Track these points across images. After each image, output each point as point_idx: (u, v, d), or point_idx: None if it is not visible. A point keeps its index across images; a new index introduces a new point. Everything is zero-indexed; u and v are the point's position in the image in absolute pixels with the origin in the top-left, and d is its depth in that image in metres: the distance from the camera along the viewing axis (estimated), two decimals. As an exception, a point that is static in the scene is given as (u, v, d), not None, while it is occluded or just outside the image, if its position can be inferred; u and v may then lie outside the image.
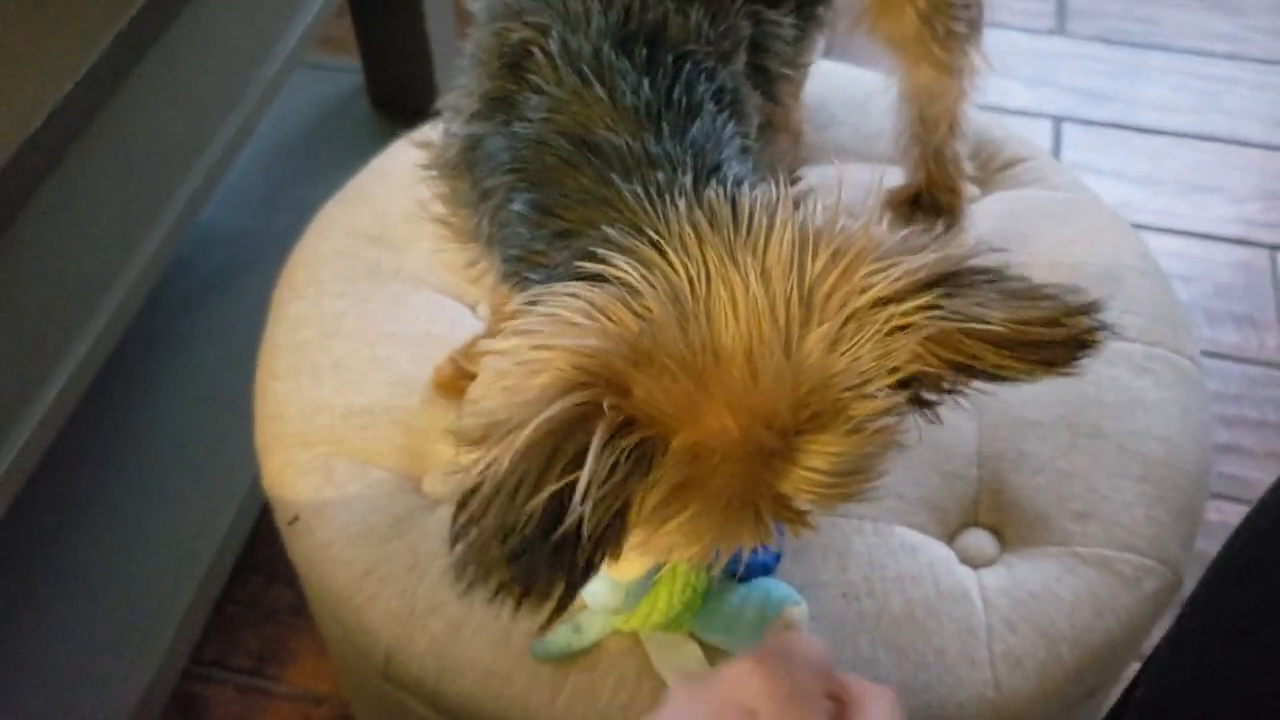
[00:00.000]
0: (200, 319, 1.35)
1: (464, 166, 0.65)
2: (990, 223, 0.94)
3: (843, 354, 0.49)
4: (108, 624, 1.13)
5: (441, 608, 0.72)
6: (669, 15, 0.60)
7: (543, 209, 0.57)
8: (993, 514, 0.78)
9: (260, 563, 1.28)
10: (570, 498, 0.45)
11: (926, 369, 0.50)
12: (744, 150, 0.59)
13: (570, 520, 0.45)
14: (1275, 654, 0.58)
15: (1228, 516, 1.37)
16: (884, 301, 0.49)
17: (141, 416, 1.27)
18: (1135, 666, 0.79)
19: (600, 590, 0.64)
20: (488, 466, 0.46)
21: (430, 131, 0.71)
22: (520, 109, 0.59)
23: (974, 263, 0.51)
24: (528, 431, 0.45)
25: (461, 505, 0.47)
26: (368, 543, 0.75)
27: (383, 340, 0.86)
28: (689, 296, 0.49)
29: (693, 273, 0.50)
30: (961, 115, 0.90)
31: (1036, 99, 1.79)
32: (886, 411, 0.50)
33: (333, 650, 0.90)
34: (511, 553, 0.45)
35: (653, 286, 0.49)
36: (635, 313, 0.49)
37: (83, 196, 0.85)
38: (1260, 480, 1.38)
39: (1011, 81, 1.80)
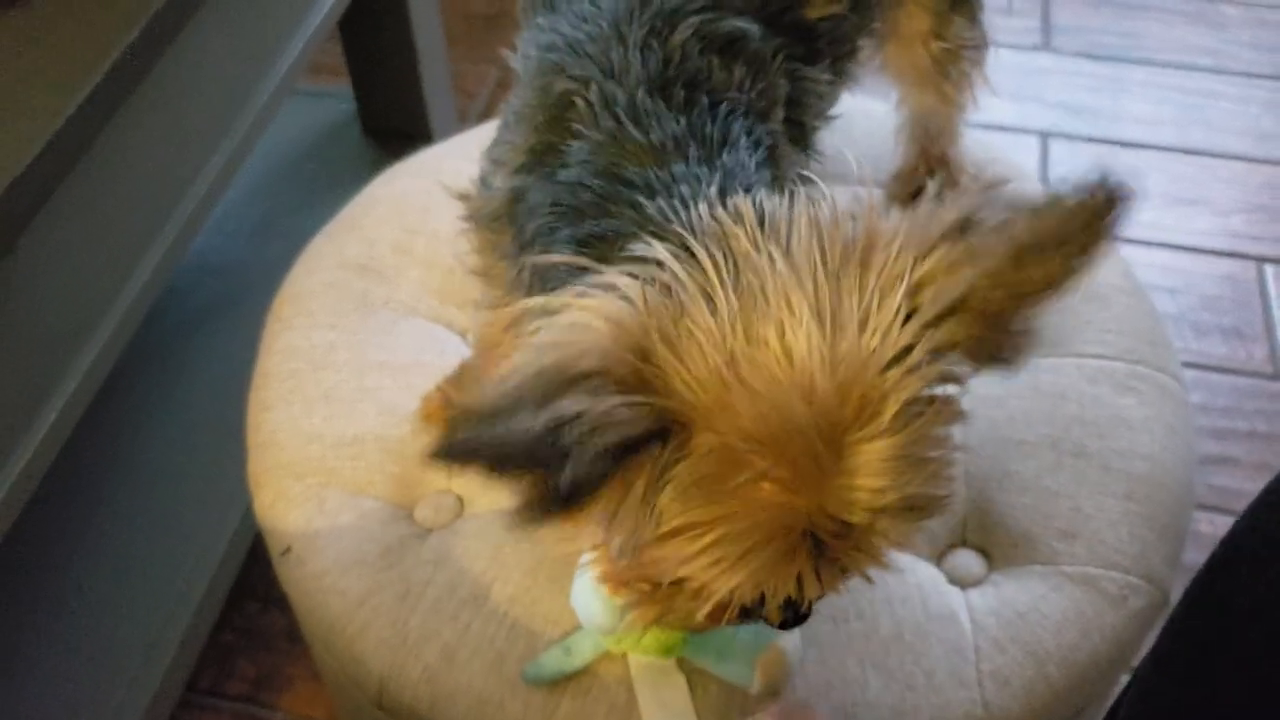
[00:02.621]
0: (192, 347, 1.35)
1: (507, 219, 0.66)
2: (974, 243, 0.95)
3: (875, 330, 0.48)
4: (103, 652, 1.13)
5: (434, 636, 0.73)
6: (712, 68, 0.62)
7: (580, 244, 0.58)
8: (980, 534, 0.79)
9: (255, 589, 1.28)
10: (564, 432, 0.44)
11: (972, 309, 0.48)
12: (774, 182, 0.60)
13: (557, 440, 0.44)
14: (1258, 672, 0.59)
15: (1218, 529, 1.37)
16: (906, 272, 0.48)
17: (135, 444, 1.27)
18: (1123, 682, 0.79)
19: (594, 609, 0.65)
20: (504, 379, 0.46)
21: (468, 184, 0.73)
22: (562, 157, 0.61)
23: (977, 206, 0.50)
24: (547, 360, 0.46)
25: (466, 405, 0.46)
26: (360, 573, 0.76)
27: (372, 370, 0.86)
28: (716, 281, 0.49)
29: (718, 260, 0.49)
30: (961, 122, 0.94)
31: (1023, 115, 1.80)
32: (933, 380, 0.49)
33: (327, 679, 0.90)
34: (504, 450, 0.44)
35: (680, 272, 0.49)
36: (663, 294, 0.49)
37: (76, 226, 0.86)
38: (1250, 491, 1.37)
39: (998, 98, 1.81)
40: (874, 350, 0.48)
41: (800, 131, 0.69)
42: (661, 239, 0.52)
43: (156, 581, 1.18)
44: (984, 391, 0.80)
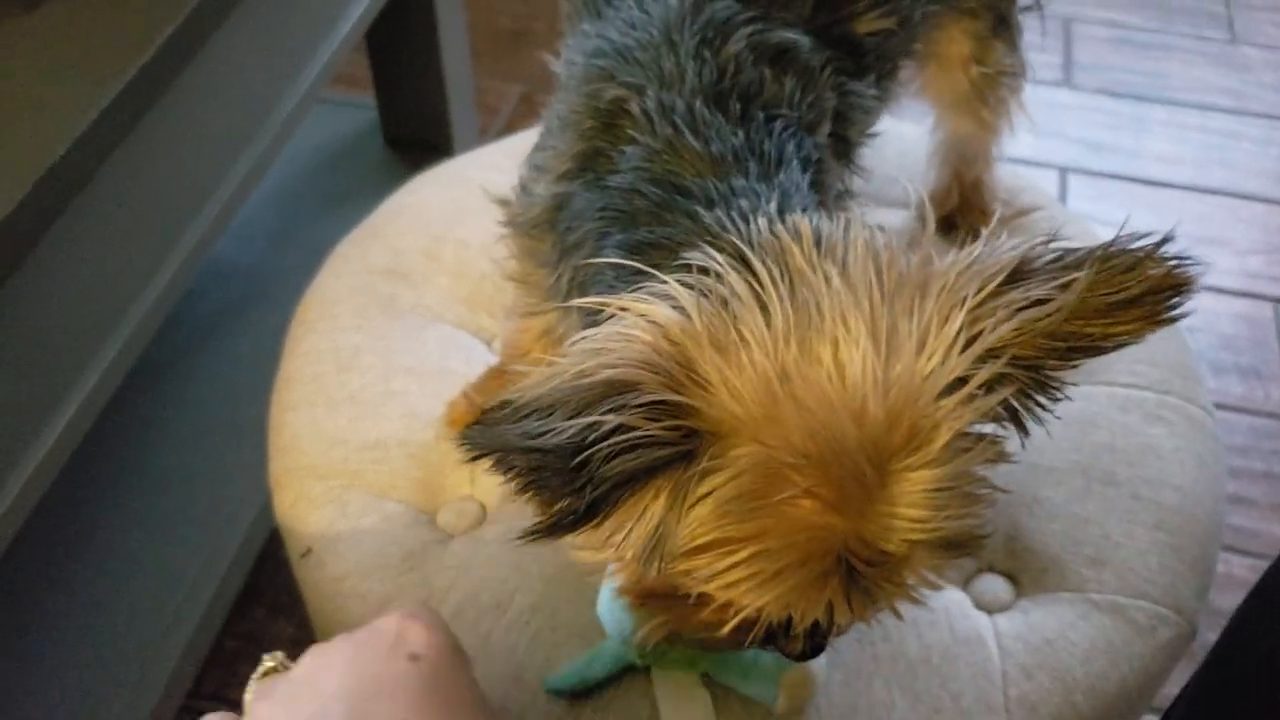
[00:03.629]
0: (208, 352, 1.35)
1: (547, 226, 0.66)
2: (1003, 269, 0.95)
3: (932, 355, 0.47)
4: (108, 655, 1.12)
5: (455, 643, 0.72)
6: (765, 80, 0.62)
7: (632, 250, 0.57)
8: (1007, 559, 0.78)
9: (263, 596, 1.28)
10: (590, 447, 0.44)
11: (1022, 356, 0.48)
12: (817, 190, 0.60)
13: (584, 456, 0.44)
14: None
15: (1233, 568, 1.38)
16: (965, 300, 0.48)
17: (147, 447, 1.27)
18: None
19: (619, 617, 0.64)
20: (546, 378, 0.46)
21: (507, 190, 0.72)
22: (613, 164, 0.60)
23: (1035, 252, 0.50)
24: (589, 365, 0.46)
25: (502, 398, 0.46)
26: (382, 576, 0.75)
27: (398, 374, 0.86)
28: (773, 293, 0.48)
29: (775, 274, 0.49)
30: (996, 148, 0.94)
31: (1043, 149, 1.80)
32: (985, 414, 0.48)
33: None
34: (530, 458, 0.44)
35: (735, 282, 0.49)
36: (718, 313, 0.48)
37: (99, 228, 0.86)
38: (1267, 532, 1.38)
39: (1018, 132, 1.82)
40: (929, 376, 0.47)
41: (844, 147, 0.68)
42: (718, 250, 0.51)
43: (163, 585, 1.17)
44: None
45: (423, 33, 1.47)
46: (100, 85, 0.79)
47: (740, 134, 0.59)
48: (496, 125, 1.83)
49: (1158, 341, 0.88)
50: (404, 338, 0.89)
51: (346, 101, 1.62)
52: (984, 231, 0.89)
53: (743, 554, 0.47)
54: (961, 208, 0.96)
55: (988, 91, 0.87)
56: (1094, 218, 1.75)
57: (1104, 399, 0.84)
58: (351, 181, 1.53)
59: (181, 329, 1.35)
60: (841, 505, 0.46)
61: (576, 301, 0.57)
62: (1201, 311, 1.60)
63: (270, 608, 1.28)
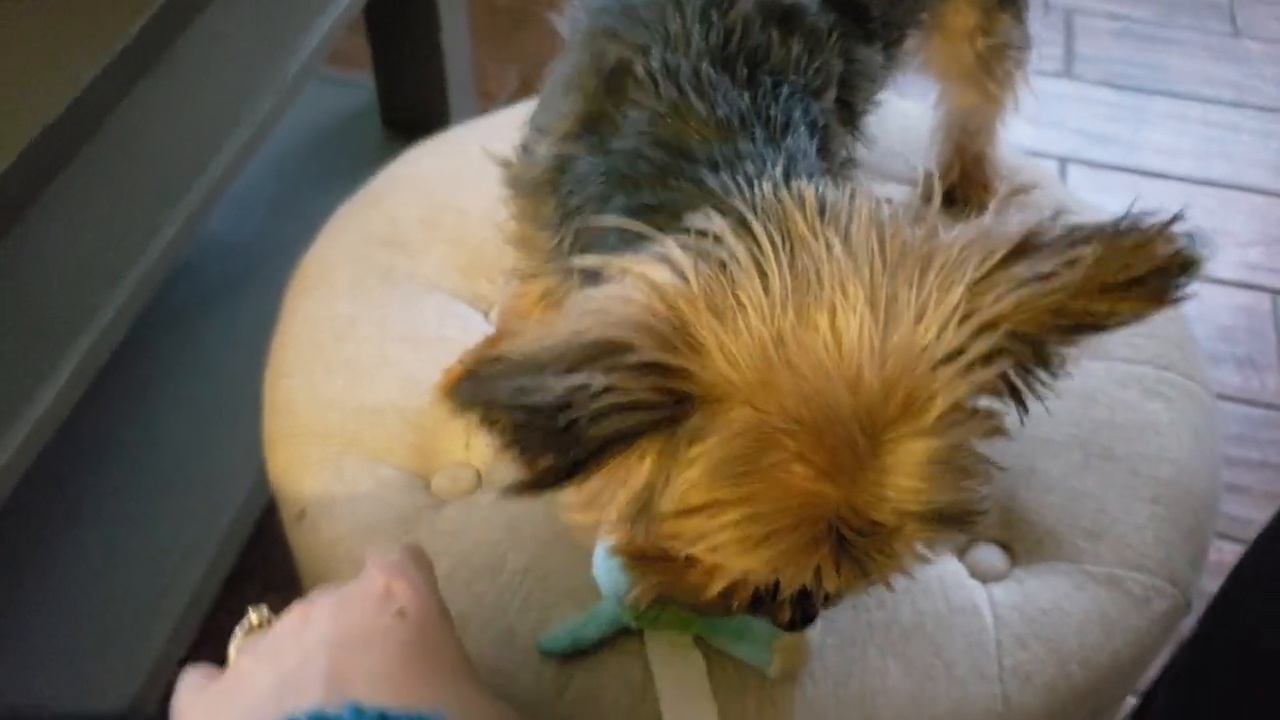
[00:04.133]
0: (203, 324, 1.35)
1: (549, 187, 0.65)
2: (1002, 246, 0.95)
3: (930, 326, 0.47)
4: (97, 629, 1.12)
5: (448, 606, 0.72)
6: (771, 43, 0.61)
7: (634, 213, 0.57)
8: (1003, 529, 0.77)
9: (255, 573, 1.27)
10: (578, 406, 0.43)
11: (1024, 331, 0.48)
12: (821, 155, 0.60)
13: (570, 415, 0.43)
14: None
15: (1226, 556, 1.37)
16: (967, 273, 0.47)
17: (141, 421, 1.26)
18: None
19: (614, 578, 0.64)
20: (540, 336, 0.46)
21: (508, 150, 0.71)
22: (617, 127, 0.60)
23: (1042, 226, 0.49)
24: (583, 324, 0.46)
25: (495, 353, 0.46)
26: (376, 539, 0.74)
27: (394, 342, 0.86)
28: (772, 258, 0.48)
29: (776, 240, 0.48)
30: (1000, 124, 0.94)
31: (1043, 139, 1.80)
32: (983, 386, 0.48)
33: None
34: (516, 415, 0.44)
35: (735, 246, 0.48)
36: (716, 276, 0.48)
37: (94, 193, 0.86)
38: (1262, 520, 1.37)
39: (1019, 121, 1.82)
40: (926, 346, 0.47)
41: (849, 113, 0.68)
42: (721, 214, 0.51)
43: (156, 559, 1.16)
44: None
45: (422, 12, 1.46)
46: (96, 50, 0.79)
47: (746, 97, 0.58)
48: (495, 107, 1.82)
49: (1158, 316, 0.89)
50: (401, 306, 0.88)
51: (344, 80, 1.61)
52: (990, 206, 0.89)
53: (730, 516, 0.47)
54: (963, 182, 0.96)
55: (993, 64, 0.87)
56: (1093, 207, 1.76)
57: (1103, 374, 0.84)
58: (349, 160, 1.52)
59: (178, 301, 1.34)
60: (833, 472, 0.46)
61: (577, 261, 0.56)
62: (1200, 302, 1.58)
63: (262, 586, 1.27)
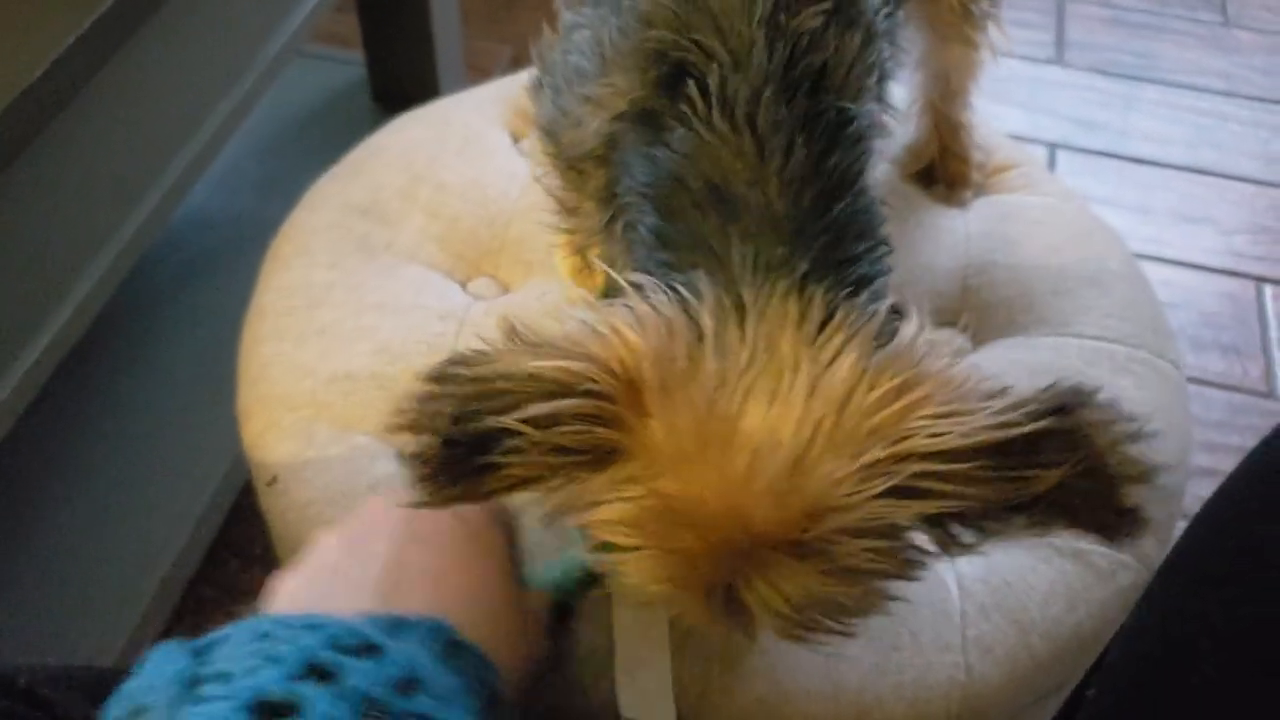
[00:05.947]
0: (185, 300, 1.35)
1: (598, 160, 0.65)
2: (981, 225, 0.95)
3: (850, 495, 0.47)
4: (78, 601, 1.12)
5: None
6: (829, 47, 0.57)
7: (661, 238, 0.57)
8: (970, 503, 0.78)
9: (238, 546, 1.28)
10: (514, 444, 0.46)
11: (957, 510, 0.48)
12: (878, 246, 0.57)
13: (492, 459, 0.47)
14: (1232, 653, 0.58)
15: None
16: (927, 456, 0.47)
17: (122, 394, 1.27)
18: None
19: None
20: (496, 361, 0.48)
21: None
22: (666, 133, 0.57)
23: (1034, 429, 0.46)
24: (541, 365, 0.47)
25: (450, 369, 0.49)
26: (347, 503, 0.75)
27: (370, 310, 0.86)
28: (739, 367, 0.48)
29: (756, 350, 0.49)
30: (974, 88, 0.95)
31: (1033, 125, 1.81)
32: (877, 573, 0.49)
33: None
34: (441, 451, 0.47)
35: (720, 324, 0.49)
36: (687, 346, 0.49)
37: (67, 165, 0.85)
38: (1239, 505, 1.39)
39: (1009, 107, 1.82)
40: (838, 509, 0.47)
41: (881, 88, 0.65)
42: (724, 289, 0.51)
43: (137, 530, 1.17)
44: (982, 366, 0.79)
45: (413, -14, 1.46)
46: (72, 17, 0.79)
47: (801, 140, 0.55)
48: (486, 87, 1.83)
49: (1128, 296, 0.89)
50: (377, 275, 0.88)
51: (334, 57, 1.61)
52: (966, 195, 0.88)
53: (631, 547, 0.49)
54: (942, 155, 0.96)
55: (972, 6, 0.87)
56: (1082, 193, 1.77)
57: (1073, 351, 0.85)
58: (336, 136, 1.50)
59: (161, 275, 1.35)
60: (714, 570, 0.49)
61: (603, 267, 0.59)
62: (1185, 288, 1.61)
63: (245, 559, 1.28)
